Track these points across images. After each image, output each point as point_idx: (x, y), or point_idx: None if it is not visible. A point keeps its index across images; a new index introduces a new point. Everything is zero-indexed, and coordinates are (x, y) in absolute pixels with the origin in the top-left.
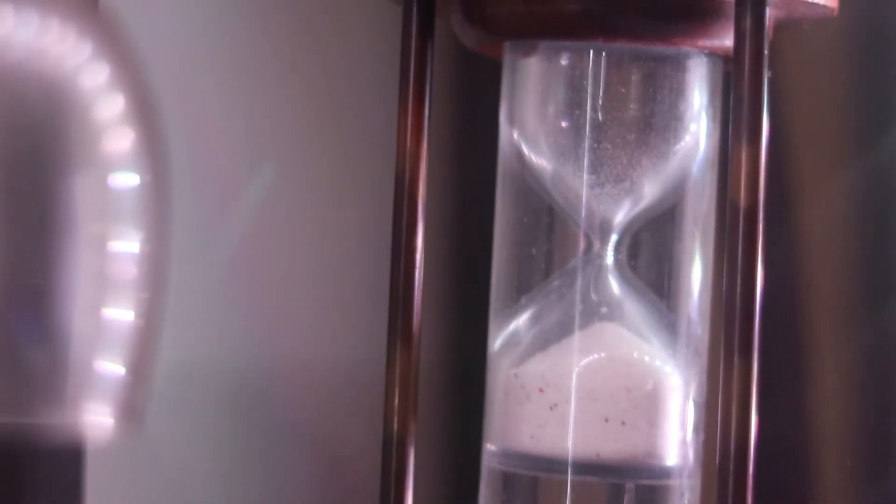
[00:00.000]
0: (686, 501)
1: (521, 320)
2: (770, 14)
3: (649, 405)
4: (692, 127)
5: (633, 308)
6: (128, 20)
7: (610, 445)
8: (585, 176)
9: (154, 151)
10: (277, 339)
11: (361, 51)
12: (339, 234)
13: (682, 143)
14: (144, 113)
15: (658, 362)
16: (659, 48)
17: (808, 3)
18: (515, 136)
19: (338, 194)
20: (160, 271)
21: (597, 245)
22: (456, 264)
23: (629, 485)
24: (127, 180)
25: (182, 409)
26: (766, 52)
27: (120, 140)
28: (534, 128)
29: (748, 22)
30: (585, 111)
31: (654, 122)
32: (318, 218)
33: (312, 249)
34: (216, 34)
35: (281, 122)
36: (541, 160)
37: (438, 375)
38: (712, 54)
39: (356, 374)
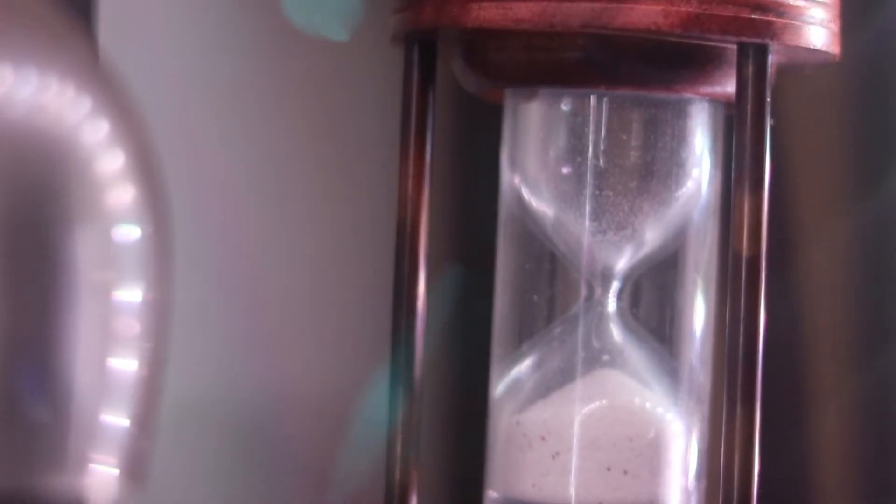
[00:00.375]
0: None
1: (523, 367)
2: (772, 61)
3: (652, 453)
4: (694, 173)
5: (635, 355)
6: (131, 73)
7: (612, 494)
8: (587, 223)
9: (155, 204)
10: (278, 377)
11: (363, 96)
12: (340, 272)
13: (684, 190)
14: (145, 166)
15: (660, 410)
16: (661, 95)
17: (810, 49)
18: (516, 181)
19: (340, 233)
20: (163, 321)
21: (598, 292)
22: (457, 310)
23: None
24: (128, 233)
25: (181, 448)
26: (768, 99)
27: (121, 194)
28: (535, 173)
29: (750, 70)
30: (587, 158)
31: (656, 169)
32: (320, 258)
33: (313, 287)
34: (217, 83)
35: (282, 166)
36: (542, 206)
37: (440, 421)
38: (714, 100)
39: (359, 409)
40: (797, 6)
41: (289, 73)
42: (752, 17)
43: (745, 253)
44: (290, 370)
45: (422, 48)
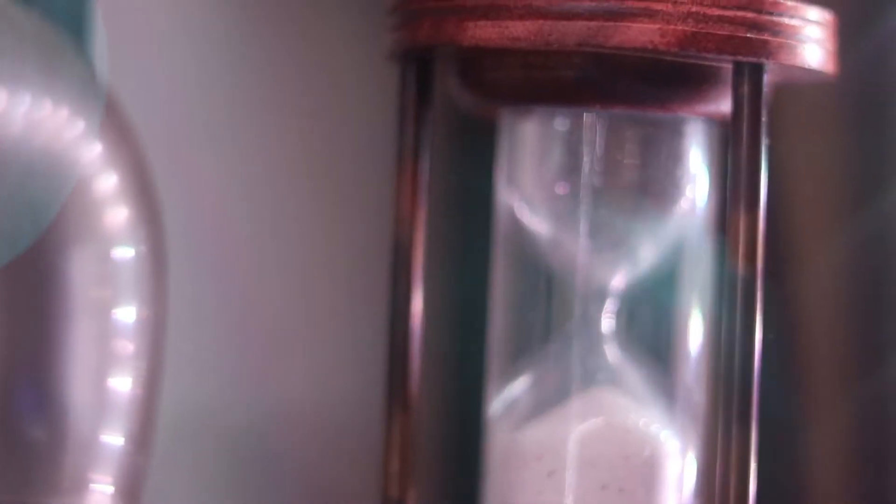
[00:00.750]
0: None
1: (518, 385)
2: (767, 79)
3: (647, 472)
4: (689, 192)
5: (631, 373)
6: (127, 90)
7: None
8: (582, 241)
9: (150, 223)
10: (275, 392)
11: (360, 113)
12: (337, 287)
13: (680, 209)
14: (140, 186)
15: (656, 428)
16: (656, 114)
17: (806, 68)
18: (512, 199)
19: (336, 249)
20: (158, 340)
21: (593, 310)
22: (453, 328)
23: None
24: (124, 253)
25: (178, 463)
26: (764, 118)
27: (116, 214)
28: (530, 192)
29: (746, 88)
30: (582, 176)
31: (652, 188)
32: (316, 273)
33: (309, 302)
34: (213, 100)
35: (278, 181)
36: (537, 224)
37: (436, 438)
38: (710, 118)
39: (354, 424)
40: (793, 25)
41: (284, 90)
42: (748, 35)
43: (740, 272)
44: (287, 385)
45: (418, 66)
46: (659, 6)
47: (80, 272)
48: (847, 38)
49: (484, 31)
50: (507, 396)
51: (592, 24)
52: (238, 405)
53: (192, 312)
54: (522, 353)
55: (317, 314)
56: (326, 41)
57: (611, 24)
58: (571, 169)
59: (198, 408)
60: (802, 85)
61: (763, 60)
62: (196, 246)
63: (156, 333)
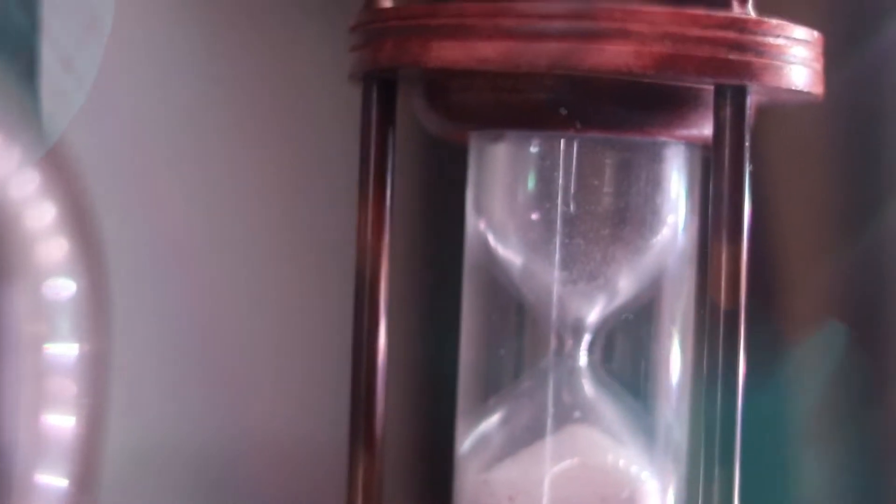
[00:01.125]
0: None
1: (490, 423)
2: (751, 102)
3: None
4: (669, 219)
5: (608, 411)
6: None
7: None
8: (557, 272)
9: (89, 257)
10: (239, 425)
11: (323, 139)
12: (302, 315)
13: (659, 237)
14: (79, 219)
15: (635, 468)
16: (634, 138)
17: (792, 90)
18: (483, 227)
19: (301, 276)
20: (101, 376)
21: (569, 344)
22: (421, 363)
23: None
24: (62, 286)
25: (140, 498)
26: (747, 143)
27: (53, 248)
28: (502, 219)
29: (728, 112)
30: (557, 203)
31: (630, 216)
32: (280, 301)
33: (276, 332)
34: (170, 128)
35: (239, 209)
36: (509, 254)
37: (403, 478)
38: (691, 142)
39: (321, 451)
40: (777, 45)
41: (245, 114)
42: (730, 57)
43: (722, 305)
44: (252, 418)
45: (381, 87)
46: (634, 27)
47: (15, 306)
48: (834, 57)
49: (450, 53)
50: (478, 434)
51: (564, 45)
52: (202, 438)
53: (155, 344)
54: (494, 388)
55: (284, 344)
56: (293, 59)
57: (583, 45)
58: (545, 195)
59: (161, 441)
60: (788, 107)
61: (746, 82)
62: (160, 276)
63: (98, 369)
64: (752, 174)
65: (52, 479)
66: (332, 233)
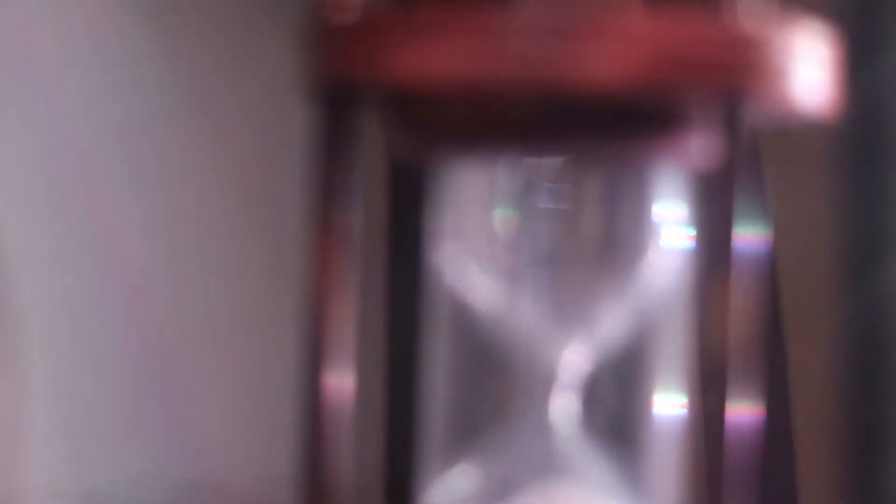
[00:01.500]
0: None
1: (458, 477)
2: (749, 122)
3: None
4: (658, 250)
5: (592, 462)
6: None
7: None
8: (532, 307)
9: None
10: (190, 468)
11: (276, 162)
12: (255, 345)
13: (647, 269)
14: None
15: None
16: (618, 161)
17: (794, 110)
18: (448, 257)
19: (256, 309)
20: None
21: (547, 387)
22: (381, 410)
23: None
24: None
25: None
26: (744, 168)
27: None
28: (470, 248)
29: (723, 133)
30: (533, 232)
31: (614, 247)
32: (236, 340)
33: (224, 363)
34: (117, 152)
35: (188, 235)
36: (479, 287)
37: None
38: (683, 167)
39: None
40: (779, 62)
41: (195, 138)
42: (726, 75)
43: (718, 350)
44: (205, 461)
45: (336, 104)
46: (617, 39)
47: None
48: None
49: (415, 67)
50: (444, 490)
51: (540, 58)
52: (152, 480)
53: (103, 383)
54: (462, 439)
55: (237, 385)
56: (251, 64)
57: (562, 59)
58: (520, 223)
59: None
60: (792, 129)
61: (743, 100)
62: (109, 315)
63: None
64: (754, 198)
65: None
66: (285, 267)
